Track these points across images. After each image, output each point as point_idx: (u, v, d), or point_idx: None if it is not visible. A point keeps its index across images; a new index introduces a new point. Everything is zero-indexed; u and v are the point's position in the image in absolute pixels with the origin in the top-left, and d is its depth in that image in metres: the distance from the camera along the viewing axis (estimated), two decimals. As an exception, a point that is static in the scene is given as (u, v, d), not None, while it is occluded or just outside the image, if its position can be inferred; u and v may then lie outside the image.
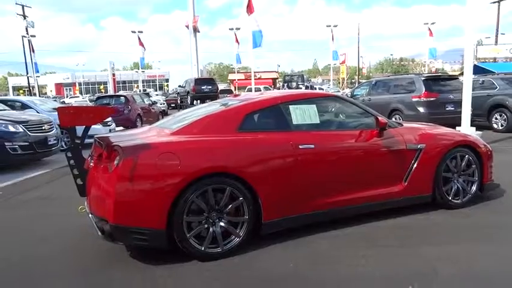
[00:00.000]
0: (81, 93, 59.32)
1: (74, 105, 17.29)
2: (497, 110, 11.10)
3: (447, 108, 10.36)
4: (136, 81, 59.66)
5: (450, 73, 25.34)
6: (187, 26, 32.23)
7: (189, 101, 24.10)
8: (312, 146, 3.62)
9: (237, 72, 43.29)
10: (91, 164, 3.49)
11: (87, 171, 3.43)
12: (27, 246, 3.74)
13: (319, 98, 4.14)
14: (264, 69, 65.32)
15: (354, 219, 3.92)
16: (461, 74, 13.90)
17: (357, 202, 3.84)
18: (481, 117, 11.22)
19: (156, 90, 55.97)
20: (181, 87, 26.61)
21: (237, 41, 35.16)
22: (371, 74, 78.08)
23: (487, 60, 29.73)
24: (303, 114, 3.80)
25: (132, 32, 35.21)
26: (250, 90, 34.01)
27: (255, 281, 2.94)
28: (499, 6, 34.85)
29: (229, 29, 35.35)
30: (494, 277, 2.90)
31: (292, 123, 3.71)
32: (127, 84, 64.97)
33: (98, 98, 15.35)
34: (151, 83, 63.80)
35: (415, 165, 4.11)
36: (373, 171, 3.94)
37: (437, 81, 10.79)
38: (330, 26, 35.83)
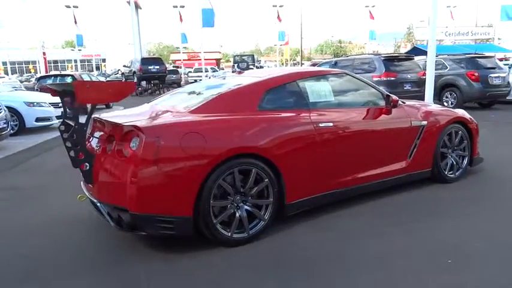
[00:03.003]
0: (6, 73, 54.25)
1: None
2: (448, 89, 11.77)
3: (405, 88, 10.77)
4: (69, 61, 55.77)
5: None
6: (128, 2, 30.58)
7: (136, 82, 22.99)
8: (331, 124, 3.53)
9: (181, 52, 41.87)
10: (96, 147, 3.11)
11: (91, 155, 3.05)
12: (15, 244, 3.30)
13: (331, 74, 4.03)
14: (207, 50, 63.94)
15: (359, 197, 3.92)
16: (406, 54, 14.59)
17: (370, 180, 3.85)
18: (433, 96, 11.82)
19: (92, 71, 52.72)
20: (126, 67, 25.26)
21: (181, 19, 33.95)
22: (311, 56, 79.48)
23: (423, 42, 31.52)
24: (318, 92, 3.68)
25: (67, 6, 32.56)
26: (198, 70, 33.24)
27: (296, 264, 2.81)
28: (432, -9, 36.88)
29: (173, 6, 33.94)
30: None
31: (310, 101, 3.58)
32: (59, 64, 60.39)
33: (41, 77, 14.02)
34: (86, 63, 59.91)
35: (418, 142, 4.19)
36: (384, 148, 3.96)
37: (395, 62, 11.14)
38: (276, 6, 35.74)
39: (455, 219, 3.51)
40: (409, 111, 4.18)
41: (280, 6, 36.09)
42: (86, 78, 13.99)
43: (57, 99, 10.58)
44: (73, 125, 2.92)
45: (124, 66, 26.29)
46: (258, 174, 3.10)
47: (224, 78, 4.29)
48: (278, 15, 34.61)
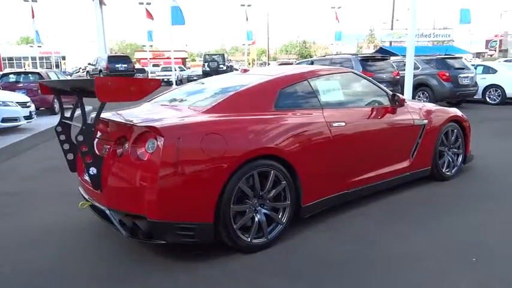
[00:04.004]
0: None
1: None
2: (421, 89, 12.11)
3: (381, 87, 10.97)
4: (26, 58, 52.98)
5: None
6: (92, -2, 29.49)
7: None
8: (343, 123, 3.47)
9: (147, 51, 40.82)
10: (104, 150, 2.89)
11: (100, 158, 2.81)
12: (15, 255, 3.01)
13: (339, 73, 3.98)
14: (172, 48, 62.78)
15: (364, 197, 3.89)
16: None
17: (380, 179, 3.84)
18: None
19: (50, 68, 50.33)
20: (92, 65, 24.33)
21: (149, 16, 33.03)
22: (277, 56, 79.99)
23: (386, 44, 32.46)
24: (328, 91, 3.61)
25: (24, 0, 30.89)
26: (165, 69, 32.51)
27: (317, 266, 2.73)
28: (394, -6, 38.07)
29: (139, 3, 32.98)
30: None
31: (321, 100, 3.50)
32: (14, 61, 57.34)
33: (3, 75, 13.15)
34: (45, 60, 57.10)
35: (420, 141, 4.22)
36: (391, 147, 3.96)
37: (371, 61, 11.34)
38: (244, 5, 35.58)
39: (467, 216, 3.55)
40: (411, 110, 4.20)
41: (248, 5, 36.00)
42: (53, 76, 13.28)
43: (25, 98, 10.02)
44: (80, 126, 2.68)
45: (89, 64, 25.30)
46: (276, 177, 2.99)
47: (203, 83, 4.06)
48: (246, 15, 34.49)
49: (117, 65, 22.16)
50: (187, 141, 2.63)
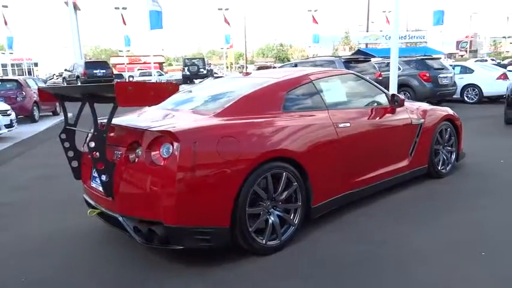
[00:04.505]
0: None
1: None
2: (402, 89, 12.36)
3: (365, 89, 11.17)
4: (-4, 65, 51.38)
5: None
6: (66, 3, 28.85)
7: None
8: (348, 124, 3.52)
9: (124, 56, 40.24)
10: (115, 156, 2.83)
11: (111, 162, 2.76)
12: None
13: (340, 75, 4.04)
14: (148, 53, 62.04)
15: (365, 197, 3.95)
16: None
17: (382, 178, 3.90)
18: (388, 96, 12.40)
19: (23, 75, 48.82)
20: (68, 71, 23.78)
21: (124, 22, 32.62)
22: (254, 59, 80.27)
23: (362, 46, 33.08)
24: (332, 92, 3.66)
25: (-5, 7, 29.91)
26: (146, 74, 32.11)
27: (331, 267, 2.76)
28: (369, -3, 38.88)
29: (115, 8, 32.56)
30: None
31: (326, 101, 3.54)
32: (-16, 69, 55.45)
33: (-22, 82, 12.68)
34: (16, 67, 55.40)
35: (417, 140, 4.32)
36: (392, 147, 4.05)
37: (354, 63, 11.50)
38: (221, 9, 35.59)
39: (467, 212, 3.65)
40: (409, 110, 4.30)
41: (226, 9, 36.02)
42: (31, 83, 12.94)
43: (5, 107, 9.71)
44: (91, 132, 2.63)
45: (66, 70, 24.72)
46: (287, 178, 3.00)
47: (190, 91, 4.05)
48: (225, 18, 34.48)
49: (95, 71, 21.73)
50: (203, 144, 2.61)
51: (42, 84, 14.09)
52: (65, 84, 23.69)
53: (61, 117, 13.23)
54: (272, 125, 3.01)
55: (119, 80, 27.02)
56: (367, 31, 36.08)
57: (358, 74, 4.21)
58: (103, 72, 21.89)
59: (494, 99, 12.99)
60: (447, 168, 4.78)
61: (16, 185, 5.26)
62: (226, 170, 2.67)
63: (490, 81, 12.69)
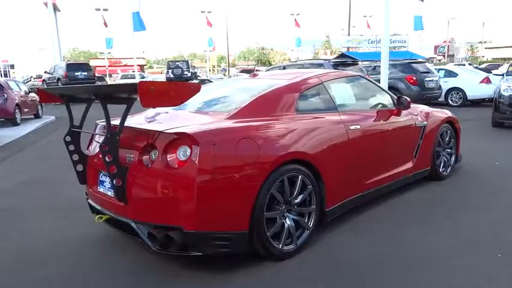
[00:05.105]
0: None
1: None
2: (389, 93, 12.51)
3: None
4: (-31, 67, 49.78)
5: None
6: (45, 4, 28.24)
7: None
8: (359, 126, 3.50)
9: (105, 58, 39.57)
10: (128, 159, 2.71)
11: (125, 167, 2.64)
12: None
13: (349, 77, 4.03)
14: (131, 56, 61.15)
15: (373, 199, 3.93)
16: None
17: (389, 180, 3.90)
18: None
19: (-2, 78, 47.33)
20: (49, 73, 23.17)
21: (105, 23, 32.11)
22: (235, 62, 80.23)
23: (344, 50, 33.44)
24: (341, 94, 3.64)
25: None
26: (128, 77, 31.63)
27: (347, 270, 2.73)
28: (350, 2, 39.44)
29: (96, 9, 32.02)
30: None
31: (336, 103, 3.51)
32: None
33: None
34: (-9, 70, 53.71)
35: (421, 142, 4.34)
36: (398, 149, 4.05)
37: (342, 66, 11.57)
38: (204, 12, 35.46)
39: (475, 213, 3.67)
40: (413, 113, 4.31)
41: (209, 12, 35.90)
42: (13, 85, 12.52)
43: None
44: (103, 134, 2.52)
45: (45, 72, 24.07)
46: (302, 181, 2.95)
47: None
48: (208, 21, 34.35)
49: (76, 73, 21.20)
50: (222, 147, 2.53)
51: (23, 87, 13.62)
52: (45, 87, 23.09)
53: (44, 121, 12.86)
54: (288, 127, 2.96)
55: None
56: (349, 35, 36.54)
57: (365, 76, 4.21)
58: (85, 75, 21.38)
59: (477, 103, 13.30)
60: (447, 170, 4.82)
61: (3, 191, 5.03)
62: (246, 172, 2.60)
63: (473, 85, 12.99)
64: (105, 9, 32.36)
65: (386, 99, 4.11)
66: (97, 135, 3.27)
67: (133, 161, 2.68)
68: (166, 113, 3.24)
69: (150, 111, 3.40)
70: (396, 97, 4.12)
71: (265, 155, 2.69)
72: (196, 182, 2.41)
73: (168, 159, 2.54)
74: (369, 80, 4.13)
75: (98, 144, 3.16)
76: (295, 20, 38.33)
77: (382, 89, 4.16)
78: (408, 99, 4.07)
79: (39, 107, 13.86)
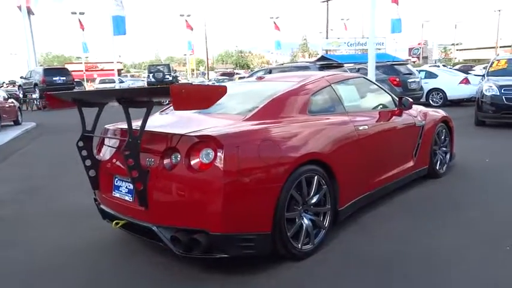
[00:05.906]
0: None
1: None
2: (373, 94, 12.76)
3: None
4: None
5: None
6: (19, 7, 27.47)
7: (37, 95, 20.60)
8: (366, 127, 3.58)
9: (82, 63, 38.80)
10: (148, 163, 2.69)
11: (145, 172, 2.62)
12: None
13: (353, 79, 4.11)
14: (107, 60, 60.20)
15: (378, 198, 4.00)
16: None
17: (393, 179, 4.00)
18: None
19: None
20: (25, 78, 22.55)
21: (82, 27, 31.56)
22: (214, 66, 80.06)
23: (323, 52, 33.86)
24: (348, 95, 3.71)
25: None
26: (104, 81, 31.14)
27: (375, 266, 2.79)
28: (327, 5, 40.08)
29: (72, 12, 31.41)
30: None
31: (344, 105, 3.58)
32: None
33: None
34: (-39, 75, 51.76)
35: (420, 141, 4.46)
36: (400, 148, 4.16)
37: (322, 69, 11.72)
38: (183, 15, 35.30)
39: (478, 209, 3.79)
40: (413, 112, 4.43)
41: (188, 15, 35.76)
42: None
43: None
44: (126, 139, 2.50)
45: (21, 77, 23.41)
46: (318, 181, 3.00)
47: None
48: (188, 24, 34.19)
49: (54, 78, 20.74)
50: (246, 149, 2.55)
51: (1, 92, 13.23)
52: (21, 93, 22.47)
53: (24, 127, 12.50)
54: (304, 128, 3.00)
55: (78, 89, 25.98)
56: (327, 38, 37.03)
57: (367, 78, 4.30)
58: (63, 80, 20.95)
59: (457, 102, 13.73)
60: (443, 168, 4.96)
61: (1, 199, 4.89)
62: (268, 173, 2.63)
63: (453, 86, 13.40)
64: (82, 13, 31.79)
65: (388, 100, 4.21)
66: (107, 139, 3.23)
67: (153, 165, 2.66)
68: (181, 116, 3.23)
69: (161, 115, 3.38)
70: (398, 98, 4.23)
71: (286, 156, 2.73)
72: (222, 184, 2.42)
73: (191, 162, 2.53)
74: (371, 82, 4.22)
75: (110, 148, 3.13)
76: (275, 23, 38.67)
77: (384, 90, 4.26)
78: (410, 99, 4.18)
79: (19, 113, 13.48)
